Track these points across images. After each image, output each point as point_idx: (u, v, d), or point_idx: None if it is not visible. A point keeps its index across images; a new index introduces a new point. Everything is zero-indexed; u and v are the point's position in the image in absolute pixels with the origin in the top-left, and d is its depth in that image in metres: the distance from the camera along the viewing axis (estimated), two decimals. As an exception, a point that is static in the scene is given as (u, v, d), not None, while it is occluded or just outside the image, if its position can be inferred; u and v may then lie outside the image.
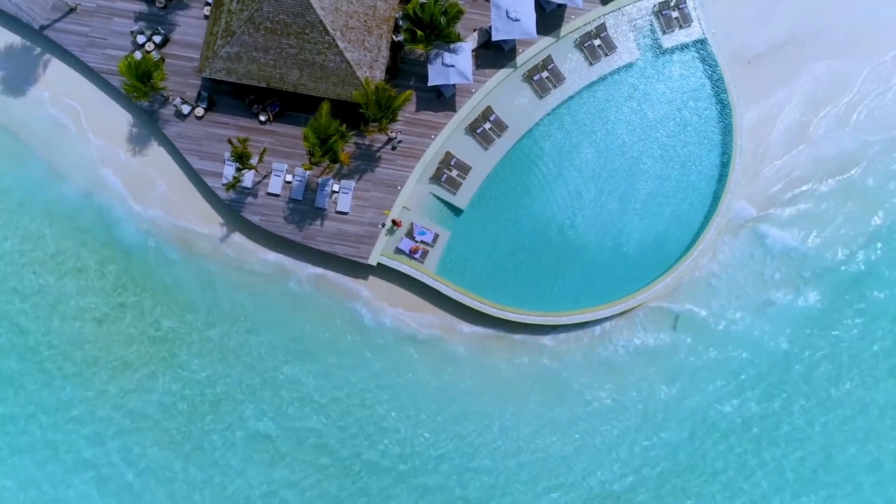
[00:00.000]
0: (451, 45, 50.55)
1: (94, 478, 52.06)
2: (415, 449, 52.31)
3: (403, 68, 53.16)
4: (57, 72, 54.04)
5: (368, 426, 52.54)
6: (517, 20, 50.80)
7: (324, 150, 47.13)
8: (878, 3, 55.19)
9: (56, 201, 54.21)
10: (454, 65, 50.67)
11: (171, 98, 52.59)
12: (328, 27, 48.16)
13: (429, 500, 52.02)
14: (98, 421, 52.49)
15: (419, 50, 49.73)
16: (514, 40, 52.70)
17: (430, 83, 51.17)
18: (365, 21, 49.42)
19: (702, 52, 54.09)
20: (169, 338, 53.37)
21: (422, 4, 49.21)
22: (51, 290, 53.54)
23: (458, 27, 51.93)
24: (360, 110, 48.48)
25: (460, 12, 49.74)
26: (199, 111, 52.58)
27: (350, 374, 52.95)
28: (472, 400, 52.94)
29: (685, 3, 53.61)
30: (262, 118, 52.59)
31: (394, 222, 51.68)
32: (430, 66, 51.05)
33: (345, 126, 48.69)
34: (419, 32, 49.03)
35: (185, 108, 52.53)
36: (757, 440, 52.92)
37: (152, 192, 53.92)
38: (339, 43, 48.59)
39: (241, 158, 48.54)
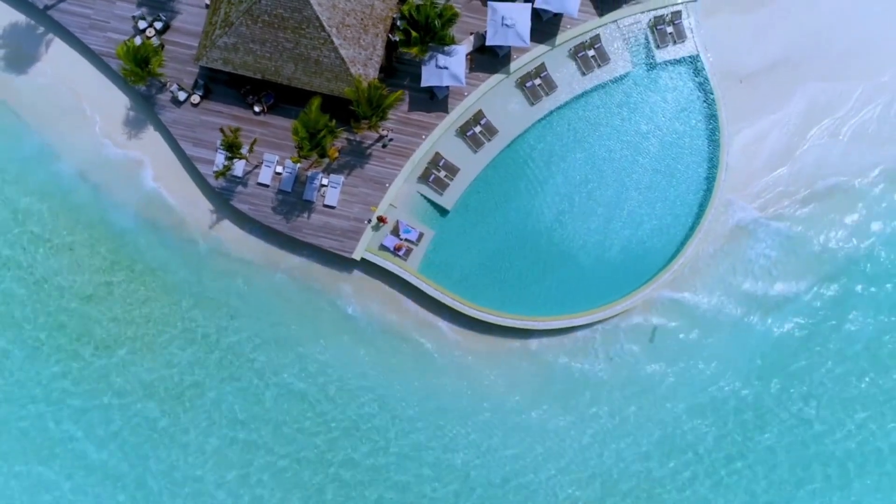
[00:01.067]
0: (446, 48, 51.20)
1: (69, 451, 52.89)
2: (387, 437, 53.03)
3: (399, 68, 53.86)
4: (58, 52, 54.83)
5: (345, 413, 53.23)
6: (512, 26, 51.43)
7: (312, 145, 47.90)
8: (872, 26, 55.48)
9: (50, 179, 55.00)
10: (447, 67, 51.34)
11: (168, 84, 53.42)
12: (324, 23, 48.89)
13: (398, 491, 52.71)
14: (76, 397, 53.33)
15: (413, 51, 50.31)
16: (508, 46, 53.26)
17: (423, 84, 51.87)
18: (361, 19, 50.13)
19: (694, 68, 54.63)
20: (153, 319, 54.21)
21: (417, 6, 49.87)
22: (39, 266, 54.39)
23: (454, 30, 52.60)
24: (351, 107, 49.18)
25: (455, 15, 50.43)
26: (196, 99, 53.39)
27: (329, 363, 53.66)
28: (447, 397, 53.66)
29: (681, 19, 54.15)
30: (257, 109, 53.38)
31: (379, 219, 52.43)
32: (423, 67, 51.74)
33: (334, 122, 49.46)
34: (414, 34, 49.69)
35: (182, 95, 53.35)
36: (729, 457, 53.45)
37: (145, 175, 54.69)
38: (335, 39, 49.32)
39: (232, 147, 49.37)
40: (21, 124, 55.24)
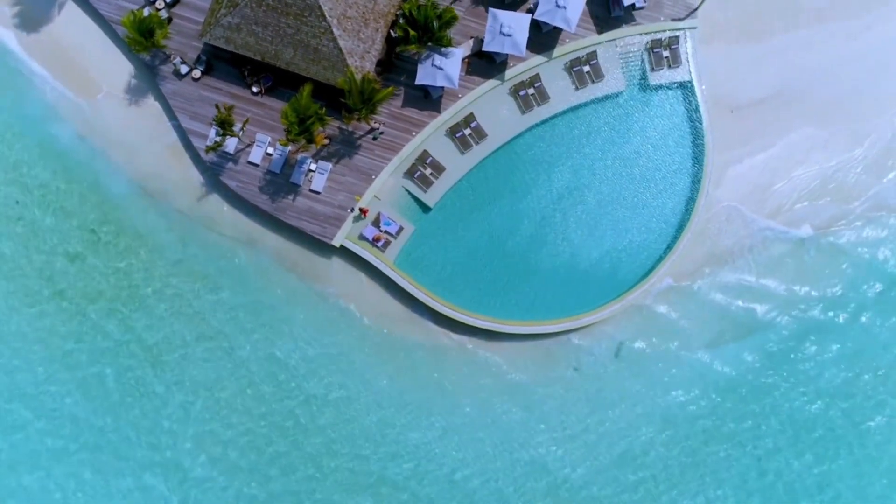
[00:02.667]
0: (443, 49, 52.30)
1: (33, 405, 54.56)
2: (344, 417, 54.49)
3: (398, 64, 55.02)
4: (69, 15, 56.40)
5: (308, 383, 54.63)
6: (509, 35, 52.49)
7: (300, 130, 49.13)
8: (865, 76, 56.22)
9: (50, 139, 56.64)
10: (443, 68, 52.44)
11: (171, 56, 54.80)
12: (326, 13, 50.10)
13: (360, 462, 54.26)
14: (45, 350, 54.91)
15: (411, 50, 51.43)
16: (506, 54, 54.29)
17: (417, 82, 53.00)
18: (363, 13, 51.32)
19: (687, 93, 55.50)
20: (134, 283, 55.61)
21: (419, 6, 50.97)
22: (29, 221, 55.90)
23: (455, 33, 53.85)
24: (342, 99, 50.36)
25: (454, 19, 51.54)
26: (196, 73, 54.74)
27: (299, 337, 54.96)
28: (412, 390, 54.77)
29: (678, 44, 55.03)
30: (255, 89, 54.68)
31: (361, 211, 53.58)
32: (419, 66, 52.88)
33: (325, 109, 50.67)
34: (412, 32, 50.82)
35: (184, 69, 54.72)
36: (681, 477, 54.30)
37: (142, 143, 56.17)
38: (335, 30, 50.52)
39: (224, 124, 50.66)
40: (27, 83, 56.88)
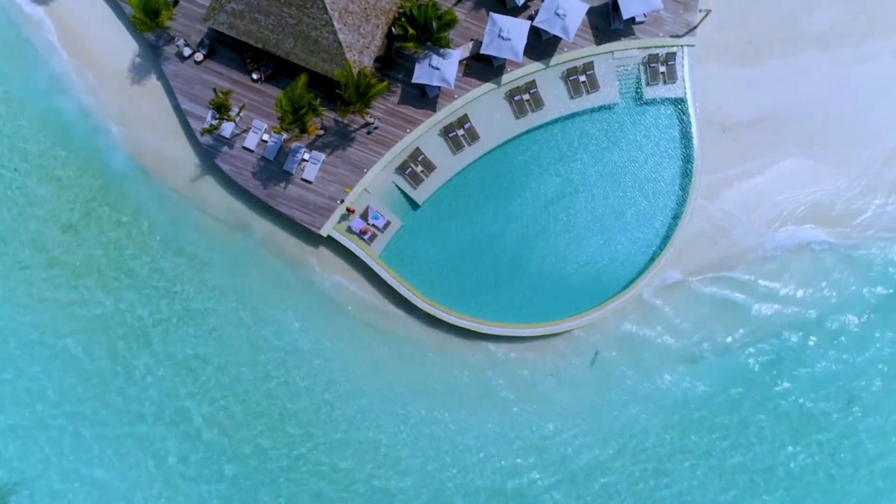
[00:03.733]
0: (441, 50, 53.05)
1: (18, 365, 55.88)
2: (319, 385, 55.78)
3: (397, 61, 55.82)
4: (78, -11, 57.53)
5: (286, 370, 55.77)
6: (508, 39, 53.20)
7: (293, 119, 49.95)
8: (860, 105, 56.67)
9: (53, 110, 57.53)
10: (440, 68, 53.20)
11: (175, 38, 55.70)
12: (328, 6, 50.90)
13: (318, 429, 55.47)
14: (31, 315, 56.06)
15: (409, 48, 52.20)
16: (504, 58, 54.99)
17: (414, 80, 53.81)
18: (365, 9, 52.11)
19: (680, 110, 56.10)
20: (124, 258, 56.58)
21: (420, 5, 51.72)
22: (27, 190, 56.93)
23: (455, 35, 54.67)
24: (338, 91, 51.17)
25: (454, 21, 52.27)
26: (199, 56, 55.65)
27: (281, 323, 55.87)
28: (385, 380, 55.60)
29: (674, 60, 55.64)
30: (255, 76, 55.56)
31: (348, 209, 54.31)
32: (417, 64, 53.67)
33: (319, 101, 51.51)
34: (411, 31, 51.59)
35: (187, 51, 55.62)
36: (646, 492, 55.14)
37: (141, 121, 57.08)
38: (335, 23, 51.33)
39: (220, 108, 51.52)
40: (35, 53, 57.79)
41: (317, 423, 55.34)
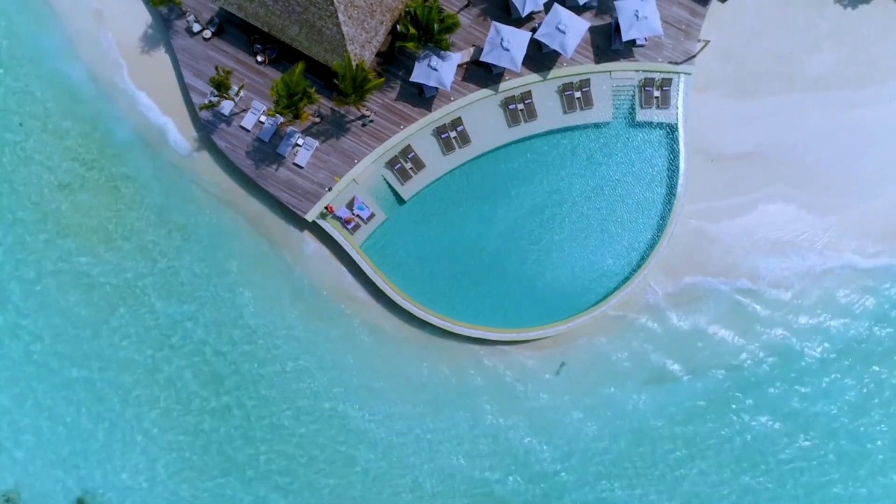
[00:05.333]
0: (441, 52, 54.16)
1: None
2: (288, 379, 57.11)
3: (400, 59, 56.97)
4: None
5: (255, 347, 57.23)
6: (507, 49, 54.22)
7: (287, 104, 51.22)
8: (851, 150, 57.24)
9: (63, 73, 59.05)
10: (438, 70, 54.30)
11: (187, 13, 57.14)
12: (335, -1, 52.17)
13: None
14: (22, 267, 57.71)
15: (410, 47, 53.35)
16: (503, 67, 56.01)
17: (412, 79, 54.97)
18: (371, 4, 53.31)
19: (670, 136, 56.89)
20: (114, 222, 58.07)
21: (425, 6, 52.80)
22: (28, 146, 58.57)
23: (457, 39, 55.83)
24: (335, 81, 52.41)
25: (455, 25, 53.35)
26: (207, 34, 57.09)
27: (258, 302, 57.18)
28: (352, 367, 56.81)
29: (669, 87, 56.43)
30: (259, 58, 56.92)
31: (327, 208, 55.51)
32: (416, 64, 54.82)
33: (315, 88, 52.79)
34: (412, 30, 52.74)
35: (196, 27, 57.06)
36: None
37: (145, 91, 58.58)
38: (340, 16, 52.53)
39: (219, 87, 52.90)
40: (51, 15, 59.44)
41: (283, 400, 56.68)
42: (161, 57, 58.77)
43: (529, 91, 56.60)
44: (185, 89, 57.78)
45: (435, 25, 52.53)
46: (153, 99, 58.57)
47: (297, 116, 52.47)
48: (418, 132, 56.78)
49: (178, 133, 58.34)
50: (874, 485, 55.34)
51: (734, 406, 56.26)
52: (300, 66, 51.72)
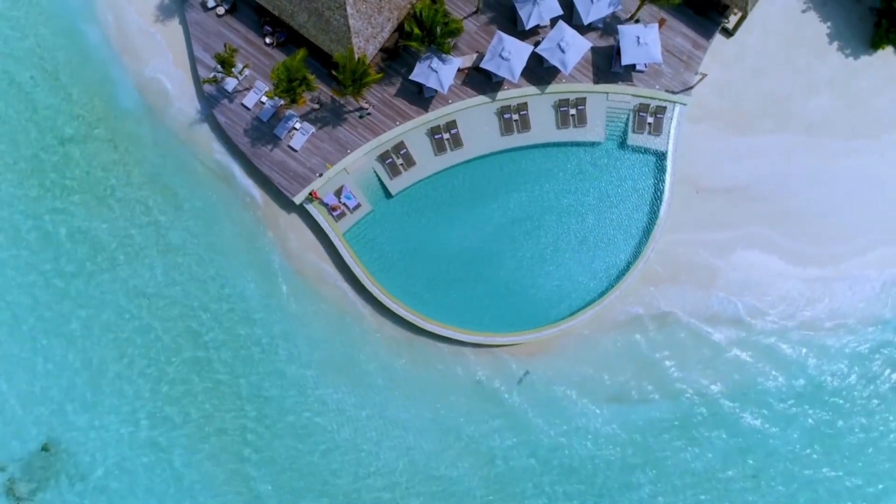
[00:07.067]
0: (443, 55, 55.32)
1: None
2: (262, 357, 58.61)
3: (404, 56, 58.20)
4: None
5: (231, 316, 58.82)
6: (507, 59, 55.30)
7: (285, 88, 52.59)
8: (834, 199, 58.03)
9: (79, 32, 60.87)
10: (437, 72, 55.47)
11: (203, -12, 58.72)
12: (344, -9, 53.43)
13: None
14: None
15: (413, 46, 54.54)
16: (502, 76, 57.07)
17: (412, 77, 56.19)
18: (379, 0, 54.52)
19: (658, 162, 57.78)
20: (109, 181, 59.67)
21: (432, 7, 53.93)
22: (37, 97, 60.29)
23: (462, 44, 57.01)
24: (334, 72, 53.71)
25: (458, 30, 54.52)
26: (221, 10, 58.59)
27: (238, 278, 58.60)
28: (325, 351, 58.22)
29: (664, 114, 57.31)
30: (268, 40, 58.35)
31: (312, 193, 56.80)
32: (418, 63, 56.03)
33: (314, 76, 54.14)
34: (416, 31, 53.94)
35: (211, 3, 58.59)
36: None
37: (155, 59, 60.17)
38: (348, 8, 53.79)
39: (224, 63, 54.35)
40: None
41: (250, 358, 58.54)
42: (175, 28, 60.31)
43: (526, 103, 57.64)
44: (193, 62, 59.27)
45: (438, 28, 53.67)
46: (162, 67, 60.13)
47: (294, 101, 53.82)
48: (413, 130, 57.98)
49: (182, 103, 59.86)
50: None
51: (694, 433, 57.17)
52: (302, 53, 53.08)
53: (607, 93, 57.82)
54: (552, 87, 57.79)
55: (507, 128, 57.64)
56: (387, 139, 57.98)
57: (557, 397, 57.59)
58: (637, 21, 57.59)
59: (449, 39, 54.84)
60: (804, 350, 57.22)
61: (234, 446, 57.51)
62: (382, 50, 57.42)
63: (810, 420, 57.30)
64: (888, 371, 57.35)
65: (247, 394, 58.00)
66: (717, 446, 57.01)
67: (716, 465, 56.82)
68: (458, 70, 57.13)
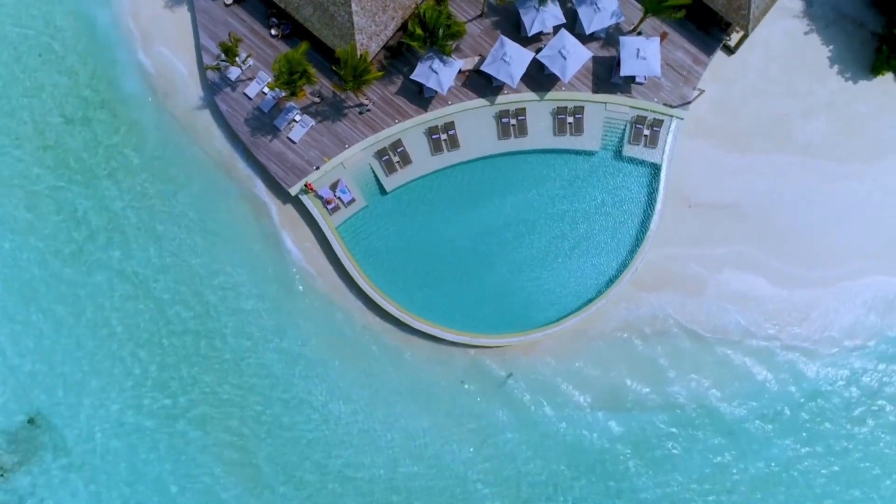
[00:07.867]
0: (445, 57, 55.87)
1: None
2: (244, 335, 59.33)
3: (406, 55, 58.78)
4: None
5: (219, 307, 59.42)
6: (507, 64, 55.82)
7: (287, 80, 53.23)
8: (826, 222, 58.53)
9: (89, 15, 61.70)
10: (438, 73, 56.02)
11: (212, -23, 59.37)
12: (350, -12, 54.03)
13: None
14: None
15: (415, 46, 55.12)
16: (502, 81, 57.57)
17: (412, 77, 56.76)
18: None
19: (653, 175, 58.20)
20: (111, 163, 60.41)
21: (436, 9, 54.47)
22: (44, 75, 61.09)
23: (465, 46, 57.54)
24: (334, 68, 54.31)
25: (460, 33, 55.08)
26: (228, 0, 59.20)
27: (229, 264, 59.29)
28: (308, 339, 58.92)
29: (660, 127, 57.75)
30: (273, 32, 59.00)
31: (307, 185, 57.43)
32: (419, 63, 56.60)
33: (315, 70, 54.75)
34: (419, 31, 54.52)
35: (219, -8, 59.30)
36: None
37: (162, 45, 60.90)
38: (353, 5, 54.40)
39: (227, 52, 55.04)
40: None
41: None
42: (183, 15, 61.01)
43: (524, 108, 58.16)
44: (199, 49, 59.96)
45: (440, 30, 54.19)
46: (168, 53, 60.85)
47: (293, 94, 54.46)
48: (411, 129, 58.57)
49: (185, 90, 60.57)
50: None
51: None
52: (304, 46, 53.74)
53: (605, 103, 58.27)
54: (551, 94, 58.29)
55: (504, 132, 58.17)
56: (385, 136, 58.58)
57: (540, 399, 58.10)
58: (639, 33, 58.04)
59: (450, 42, 55.36)
60: (789, 361, 57.85)
61: (218, 433, 58.18)
62: (385, 48, 58.01)
63: (798, 429, 57.95)
64: (879, 382, 58.05)
65: (235, 381, 58.61)
66: (698, 452, 57.56)
67: (692, 475, 57.20)
68: (460, 72, 57.65)
